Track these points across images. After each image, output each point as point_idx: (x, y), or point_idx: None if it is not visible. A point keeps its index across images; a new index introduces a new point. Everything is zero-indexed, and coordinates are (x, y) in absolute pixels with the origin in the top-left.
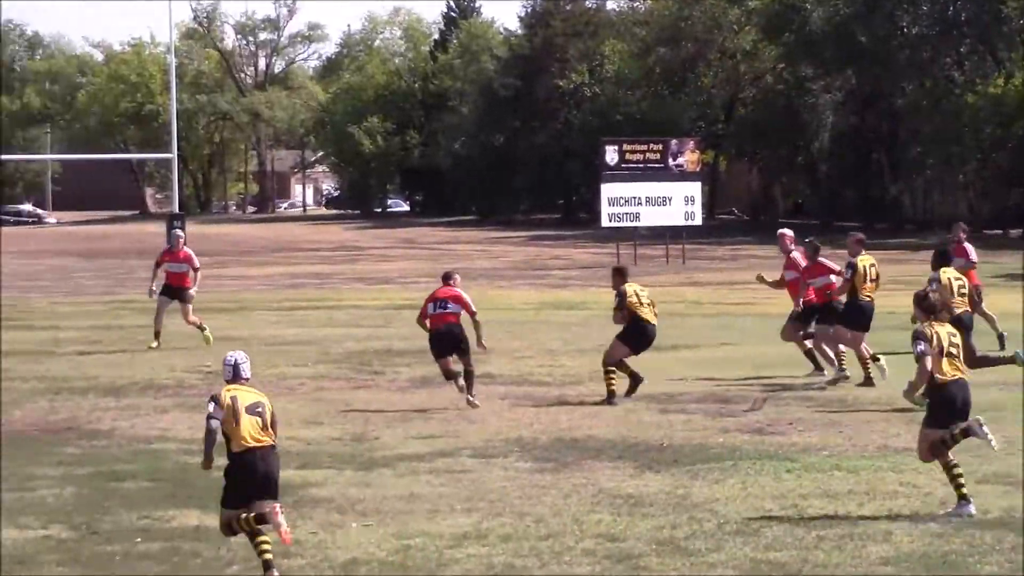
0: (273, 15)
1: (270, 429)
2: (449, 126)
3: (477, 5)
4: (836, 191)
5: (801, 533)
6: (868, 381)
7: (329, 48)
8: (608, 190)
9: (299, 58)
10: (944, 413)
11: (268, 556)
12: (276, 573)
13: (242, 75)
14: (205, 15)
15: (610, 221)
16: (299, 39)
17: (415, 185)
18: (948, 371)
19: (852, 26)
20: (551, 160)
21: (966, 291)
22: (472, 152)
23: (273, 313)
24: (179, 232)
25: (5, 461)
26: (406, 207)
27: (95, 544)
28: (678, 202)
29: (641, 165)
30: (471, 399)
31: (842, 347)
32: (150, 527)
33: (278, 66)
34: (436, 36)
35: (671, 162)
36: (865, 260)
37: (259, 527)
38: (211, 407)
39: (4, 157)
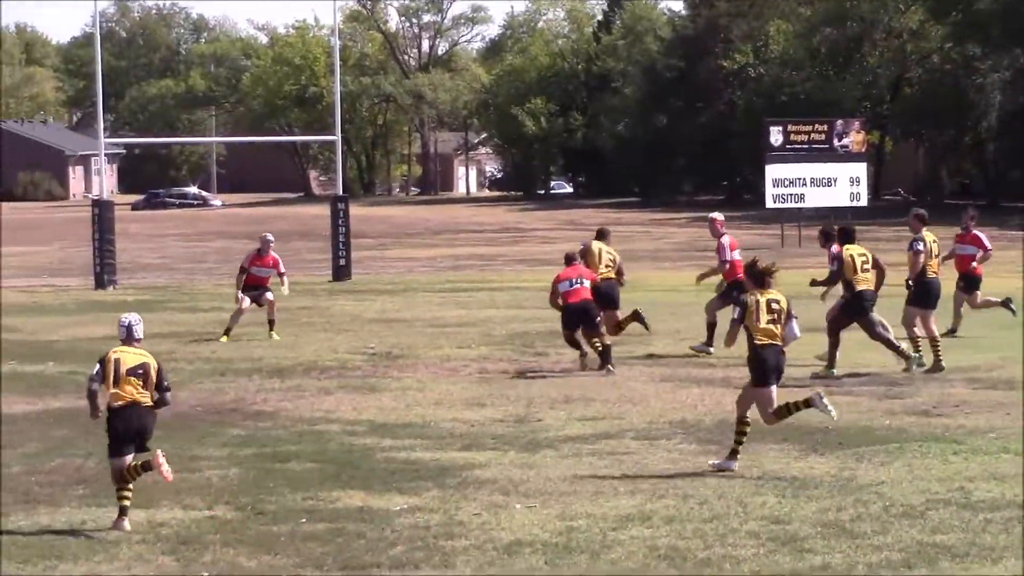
0: None
1: (150, 387)
2: (612, 107)
3: None
4: (1003, 172)
5: (968, 516)
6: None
7: (492, 30)
8: (772, 171)
9: (462, 40)
10: (760, 373)
11: (126, 503)
12: (127, 521)
13: (405, 57)
14: None
15: (774, 202)
16: (462, 21)
17: (578, 167)
18: (763, 339)
19: (1020, 5)
20: (714, 141)
21: (869, 267)
22: (635, 133)
23: (436, 295)
24: (270, 237)
25: (172, 441)
26: (569, 189)
27: (259, 524)
28: (843, 183)
29: (806, 146)
30: (610, 368)
31: (917, 330)
32: (314, 508)
33: (441, 48)
34: (600, 17)
35: (836, 143)
36: (928, 236)
37: (143, 473)
38: (94, 371)
39: (169, 140)
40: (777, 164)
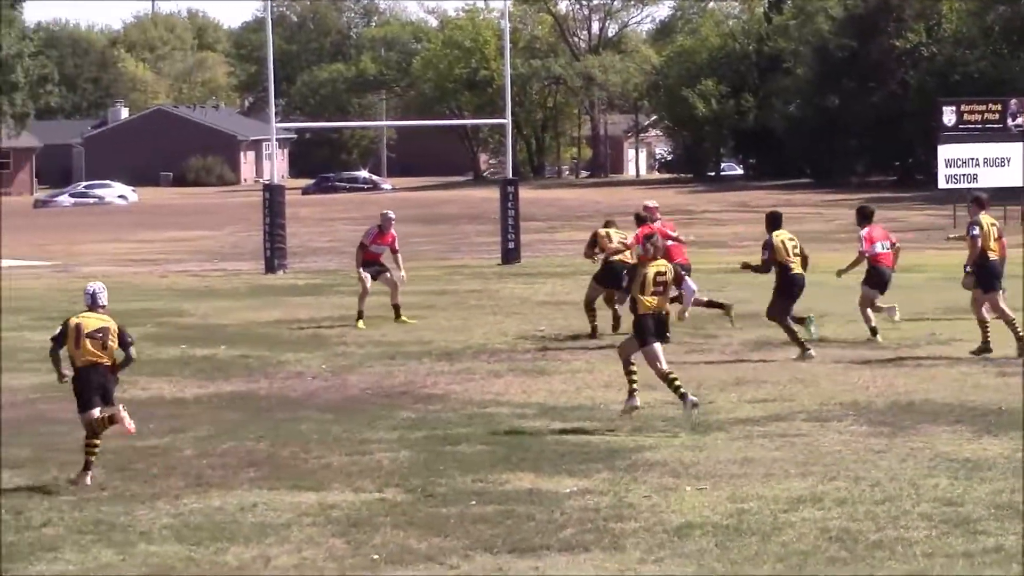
0: None
1: (109, 350)
2: (783, 88)
3: None
4: None
5: None
6: (985, 346)
7: (663, 11)
8: (945, 151)
9: (632, 21)
10: (642, 334)
11: (92, 459)
12: (89, 476)
13: (575, 39)
14: None
15: (947, 183)
16: (632, 2)
17: (749, 148)
18: (648, 304)
19: None
20: (887, 121)
21: (799, 252)
22: (806, 114)
23: None
24: (391, 215)
25: (342, 424)
26: (739, 171)
27: (429, 507)
28: (1017, 163)
29: (979, 126)
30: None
31: (987, 313)
32: (484, 490)
33: (611, 29)
34: None
35: (1010, 122)
36: (986, 219)
37: (110, 426)
38: (56, 332)
39: (340, 124)
40: (950, 144)
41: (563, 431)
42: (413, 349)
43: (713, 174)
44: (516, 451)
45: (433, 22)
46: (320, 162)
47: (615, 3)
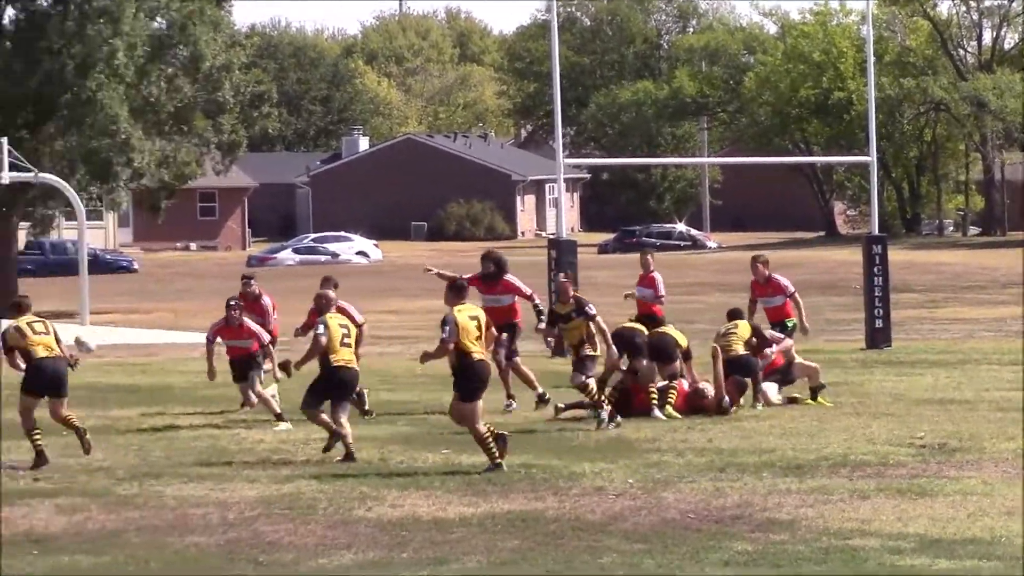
0: None
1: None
2: None
3: None
4: None
5: None
6: None
7: None
8: None
9: None
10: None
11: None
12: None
13: (961, 52)
14: None
15: None
16: None
17: None
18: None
19: None
20: None
21: None
22: None
23: (1006, 368)
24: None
25: (655, 557)
26: None
27: None
28: None
29: None
30: None
31: None
32: None
33: (1008, 40)
34: None
35: None
36: None
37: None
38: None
39: (647, 160)
40: None
41: (951, 571)
42: (749, 460)
43: None
44: None
45: (772, 28)
46: (622, 211)
47: (1014, 5)
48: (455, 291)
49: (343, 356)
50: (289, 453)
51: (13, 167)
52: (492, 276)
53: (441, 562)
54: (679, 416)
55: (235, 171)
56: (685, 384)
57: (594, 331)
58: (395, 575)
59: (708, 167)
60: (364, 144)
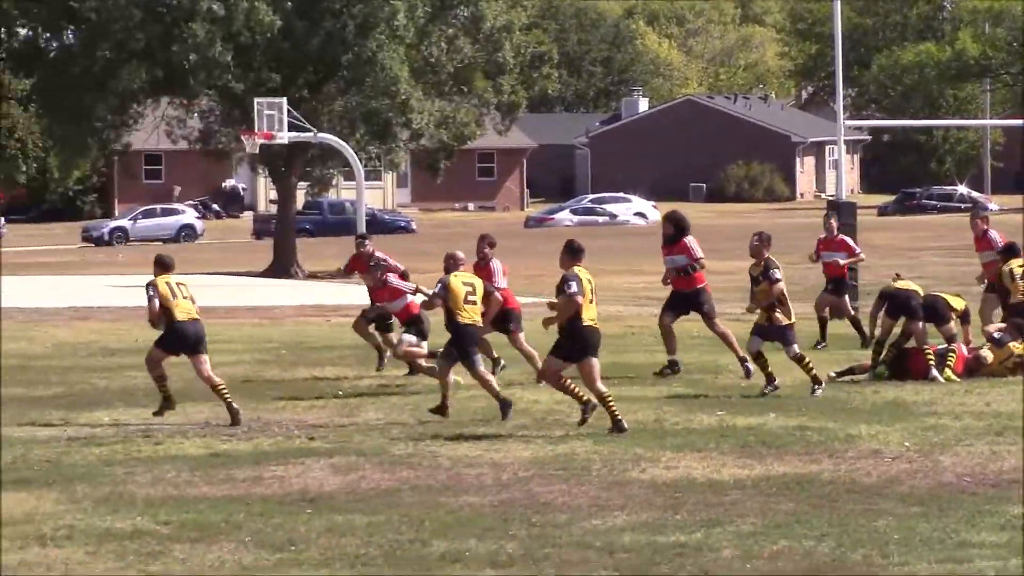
0: None
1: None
2: None
3: None
4: None
5: None
6: None
7: None
8: None
9: None
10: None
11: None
12: None
13: None
14: None
15: None
16: None
17: None
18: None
19: None
20: None
21: None
22: None
23: None
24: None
25: (931, 521)
26: None
27: None
28: None
29: None
30: None
31: None
32: None
33: None
34: None
35: None
36: None
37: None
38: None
39: (929, 122)
40: None
41: None
42: None
43: None
44: None
45: None
46: (902, 173)
47: None
48: (570, 253)
49: (468, 313)
50: (564, 414)
51: (292, 127)
52: (672, 238)
53: (715, 524)
54: (957, 379)
55: (514, 132)
56: (964, 349)
57: (774, 295)
58: (668, 538)
59: (989, 129)
60: (644, 105)
